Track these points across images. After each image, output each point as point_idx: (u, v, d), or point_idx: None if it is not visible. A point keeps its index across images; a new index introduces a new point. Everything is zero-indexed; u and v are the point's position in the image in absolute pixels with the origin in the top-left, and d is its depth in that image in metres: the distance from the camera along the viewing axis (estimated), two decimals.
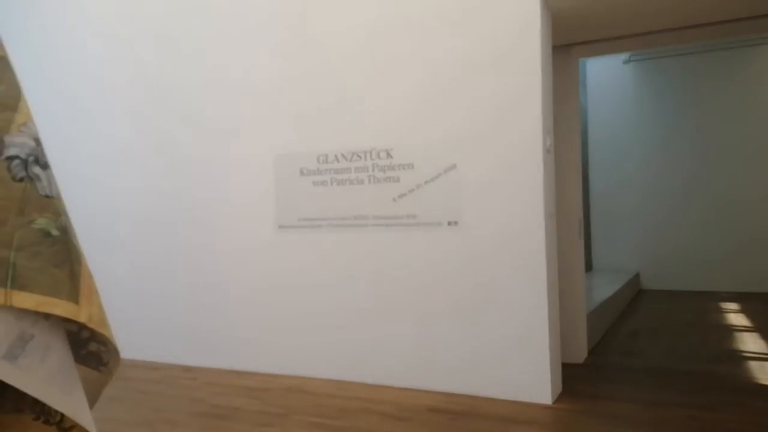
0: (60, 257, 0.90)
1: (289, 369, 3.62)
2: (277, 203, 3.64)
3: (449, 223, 3.19)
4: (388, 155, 3.33)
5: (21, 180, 0.89)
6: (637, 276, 7.59)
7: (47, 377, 0.89)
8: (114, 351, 1.06)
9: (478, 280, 3.12)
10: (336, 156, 3.46)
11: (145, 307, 4.07)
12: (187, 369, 3.86)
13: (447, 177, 3.18)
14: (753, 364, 3.70)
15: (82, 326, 1.02)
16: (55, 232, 0.91)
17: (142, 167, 4.08)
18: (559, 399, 3.07)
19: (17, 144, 0.90)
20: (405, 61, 3.30)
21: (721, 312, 5.83)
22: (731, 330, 4.89)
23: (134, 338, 4.01)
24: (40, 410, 0.98)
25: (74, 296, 0.90)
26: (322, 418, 2.85)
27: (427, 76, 3.24)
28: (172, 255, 4.00)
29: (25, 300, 0.85)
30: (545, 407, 2.94)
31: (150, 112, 4.04)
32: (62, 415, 0.98)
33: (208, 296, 3.88)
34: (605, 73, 7.90)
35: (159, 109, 4.01)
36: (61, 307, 0.88)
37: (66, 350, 0.94)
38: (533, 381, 3.00)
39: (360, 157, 3.40)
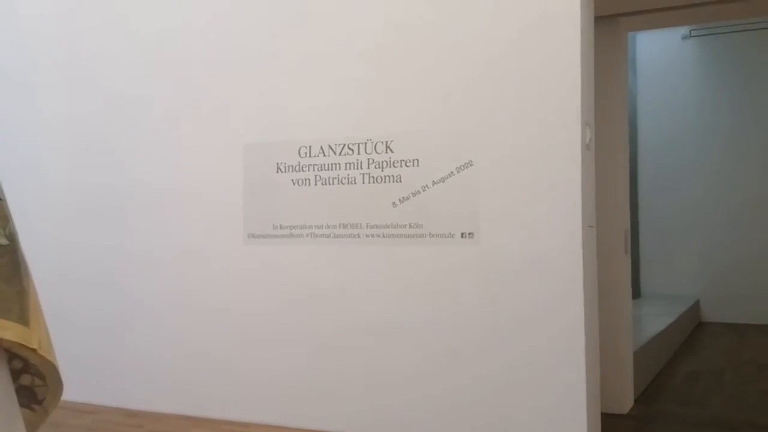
0: (9, 271, 0.92)
1: (260, 416, 3.64)
2: (246, 207, 3.67)
3: (463, 235, 3.22)
4: (388, 148, 3.36)
5: None
6: (696, 304, 7.63)
7: None
8: (54, 386, 1.09)
9: (498, 308, 3.15)
10: (322, 148, 3.49)
11: (76, 330, 4.06)
12: (131, 414, 3.86)
13: (461, 177, 3.22)
14: None
15: (14, 355, 1.04)
16: (3, 241, 0.93)
17: (72, 158, 4.10)
18: None
19: None
20: (409, 29, 3.34)
21: None
22: None
23: (63, 372, 4.00)
24: None
25: (24, 318, 0.92)
26: None
27: (438, 49, 3.28)
28: (111, 265, 4.01)
29: None
30: None
31: (84, 90, 4.07)
32: None
33: (158, 321, 3.89)
34: (660, 51, 7.97)
35: (94, 88, 4.04)
36: (11, 331, 0.89)
37: (8, 380, 0.96)
38: None
39: (352, 150, 3.43)
